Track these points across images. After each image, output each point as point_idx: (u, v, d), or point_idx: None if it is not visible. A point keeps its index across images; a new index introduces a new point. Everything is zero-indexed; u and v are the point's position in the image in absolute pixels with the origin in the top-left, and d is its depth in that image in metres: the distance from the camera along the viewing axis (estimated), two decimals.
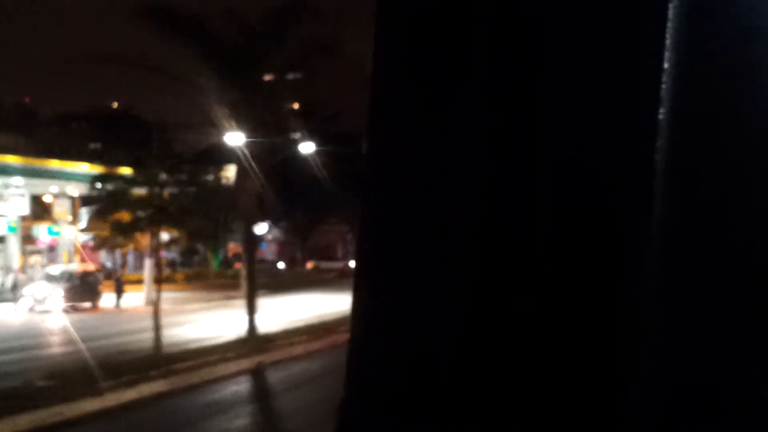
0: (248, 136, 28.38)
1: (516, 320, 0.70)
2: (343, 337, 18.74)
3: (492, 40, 0.72)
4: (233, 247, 53.09)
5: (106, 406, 11.63)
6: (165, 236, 42.97)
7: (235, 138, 29.02)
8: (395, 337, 0.75)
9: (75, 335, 17.88)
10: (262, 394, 13.48)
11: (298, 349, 16.73)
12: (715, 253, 0.67)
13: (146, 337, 17.67)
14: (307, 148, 32.50)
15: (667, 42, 0.67)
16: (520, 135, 0.70)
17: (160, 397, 12.46)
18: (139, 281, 39.38)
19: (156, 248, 32.49)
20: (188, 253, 44.73)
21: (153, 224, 17.40)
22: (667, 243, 0.67)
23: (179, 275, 41.20)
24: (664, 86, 0.66)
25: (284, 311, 25.06)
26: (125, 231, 21.00)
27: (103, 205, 21.57)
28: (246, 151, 18.58)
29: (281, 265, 46.85)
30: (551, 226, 0.69)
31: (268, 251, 50.97)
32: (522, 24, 0.71)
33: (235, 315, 22.49)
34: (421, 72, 0.75)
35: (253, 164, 20.45)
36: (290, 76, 22.10)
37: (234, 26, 17.77)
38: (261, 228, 43.32)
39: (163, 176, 17.01)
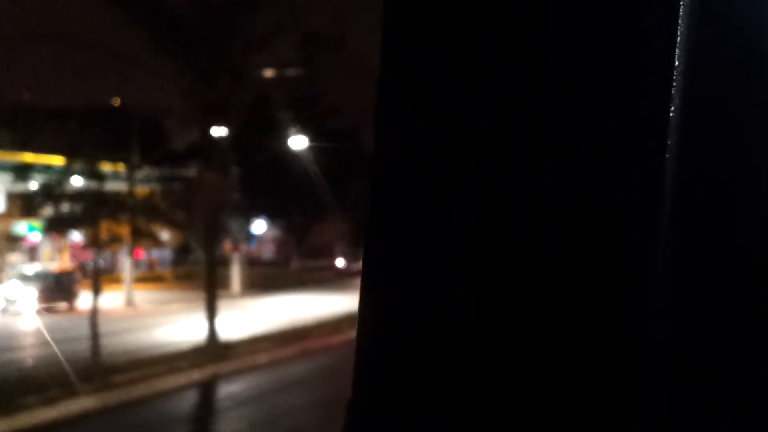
0: (230, 131, 26.64)
1: (520, 321, 0.69)
2: (316, 343, 17.43)
3: (499, 39, 0.71)
4: (230, 245, 51.63)
5: (13, 429, 9.90)
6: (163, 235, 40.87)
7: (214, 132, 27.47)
8: (401, 338, 0.75)
9: (22, 341, 16.21)
10: (202, 412, 11.71)
11: (262, 358, 14.97)
12: (724, 253, 0.67)
13: (105, 343, 16.13)
14: (297, 143, 30.95)
15: (679, 39, 0.66)
16: (527, 135, 0.70)
17: (84, 417, 10.74)
18: (136, 280, 37.93)
19: (133, 247, 30.91)
20: (182, 252, 43.13)
21: (93, 219, 15.58)
22: (674, 243, 0.66)
23: (169, 274, 39.57)
24: (675, 84, 0.66)
25: (265, 313, 23.34)
26: (59, 226, 19.36)
27: (30, 198, 19.87)
28: (207, 143, 16.74)
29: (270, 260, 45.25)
30: (556, 226, 0.68)
31: (266, 250, 49.27)
32: (529, 22, 0.70)
33: (202, 320, 21.21)
34: (428, 73, 0.74)
35: (223, 157, 18.69)
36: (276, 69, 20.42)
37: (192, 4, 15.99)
38: (259, 226, 41.74)
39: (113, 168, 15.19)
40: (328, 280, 36.54)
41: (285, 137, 31.08)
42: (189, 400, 11.95)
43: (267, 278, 37.98)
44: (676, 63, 0.66)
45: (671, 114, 0.66)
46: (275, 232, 47.09)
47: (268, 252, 49.29)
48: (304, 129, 36.33)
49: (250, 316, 22.24)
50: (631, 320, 0.66)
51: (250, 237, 41.06)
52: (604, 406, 0.67)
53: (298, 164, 32.07)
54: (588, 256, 0.67)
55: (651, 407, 0.67)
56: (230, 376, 13.45)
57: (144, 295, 29.47)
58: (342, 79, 50.14)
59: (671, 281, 0.66)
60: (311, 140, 34.14)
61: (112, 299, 28.11)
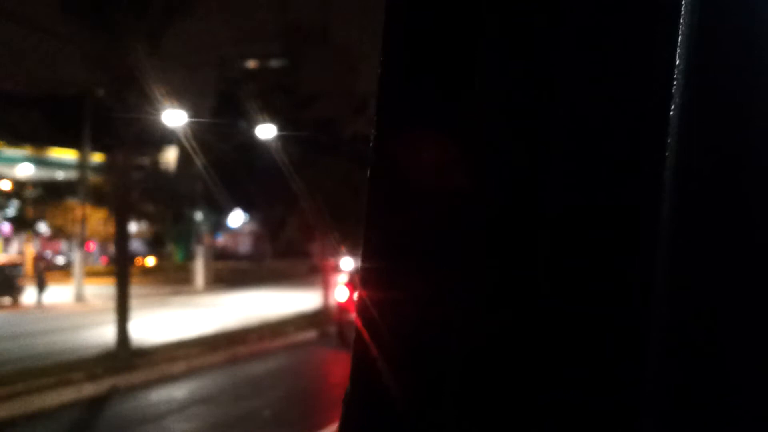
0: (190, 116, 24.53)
1: (522, 320, 0.69)
2: (251, 348, 15.27)
3: (501, 40, 0.71)
4: (208, 238, 49.39)
5: None
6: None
7: (173, 118, 25.32)
8: (399, 335, 0.75)
9: None
10: None
11: (179, 367, 12.75)
12: (725, 252, 0.67)
13: (16, 346, 14.06)
14: (266, 132, 28.79)
15: (680, 39, 0.66)
16: (528, 135, 0.70)
17: None
18: (92, 274, 35.72)
19: (84, 238, 28.64)
20: (155, 245, 40.98)
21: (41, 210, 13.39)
22: (675, 242, 0.66)
23: (136, 267, 37.34)
24: (675, 84, 0.66)
25: (216, 312, 21.17)
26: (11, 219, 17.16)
27: None
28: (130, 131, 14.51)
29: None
30: (558, 226, 0.68)
31: (243, 244, 47.05)
32: (531, 23, 0.70)
33: (157, 316, 19.41)
34: (429, 74, 0.74)
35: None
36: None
37: None
38: (236, 218, 39.55)
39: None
40: (300, 275, 34.41)
41: (253, 125, 28.99)
42: (66, 422, 9.73)
43: (237, 273, 35.95)
44: (677, 62, 0.65)
45: (671, 113, 0.65)
46: (254, 226, 44.85)
47: (245, 246, 47.14)
48: (278, 118, 34.10)
49: (197, 315, 20.13)
50: (638, 319, 0.65)
51: (216, 229, 38.84)
52: (611, 405, 0.66)
53: (267, 155, 30.03)
54: (588, 255, 0.66)
55: (658, 408, 0.66)
56: (129, 390, 11.24)
57: (100, 290, 27.30)
58: (327, 67, 48.07)
59: (672, 279, 0.66)
60: (285, 130, 32.05)
61: (63, 294, 26.04)
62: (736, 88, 0.68)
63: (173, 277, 32.63)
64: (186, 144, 25.90)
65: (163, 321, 18.79)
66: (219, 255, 43.82)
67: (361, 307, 0.76)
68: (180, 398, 10.81)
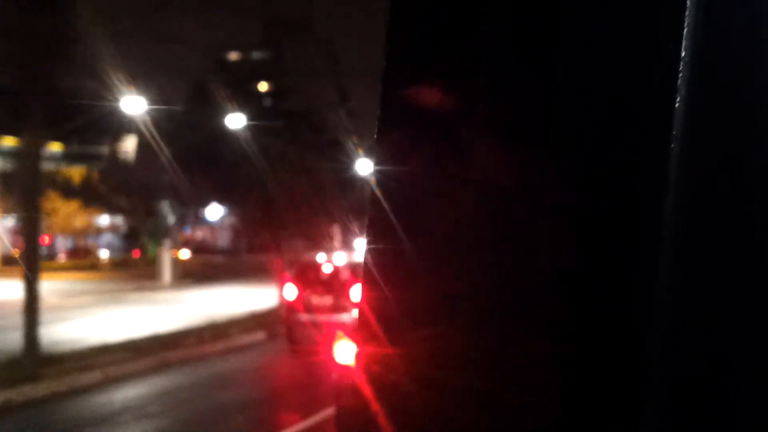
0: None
1: (524, 320, 0.68)
2: (186, 352, 13.37)
3: (504, 35, 0.70)
4: (177, 232, 47.61)
5: None
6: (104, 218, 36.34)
7: (132, 105, 23.59)
8: (401, 335, 0.74)
9: None
10: None
11: (93, 376, 11.01)
12: (729, 249, 0.66)
13: None
14: (234, 122, 27.05)
15: (685, 31, 0.65)
16: (531, 134, 0.69)
17: None
18: (55, 269, 33.97)
19: (24, 230, 26.86)
20: (130, 239, 39.19)
21: None
22: (679, 240, 0.66)
23: (105, 262, 35.61)
24: (680, 75, 0.65)
25: (171, 310, 19.44)
26: None
27: None
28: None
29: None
30: (561, 224, 0.68)
31: (222, 238, 45.25)
32: (533, 19, 0.69)
33: (103, 316, 17.92)
34: (433, 73, 0.73)
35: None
36: None
37: None
38: (215, 212, 37.79)
39: None
40: (274, 271, 32.60)
41: (222, 115, 27.24)
42: None
43: (210, 268, 34.18)
44: (683, 54, 0.64)
45: (676, 105, 0.64)
46: (233, 220, 43.02)
47: (223, 240, 45.36)
48: (251, 108, 32.31)
49: (148, 313, 18.43)
50: (642, 319, 0.65)
51: (184, 222, 37.04)
52: (615, 405, 0.65)
53: (237, 145, 28.30)
54: (598, 254, 0.66)
55: (663, 405, 0.65)
56: (23, 406, 9.51)
57: (60, 286, 25.66)
58: (300, 58, 46.33)
59: (683, 279, 0.65)
60: (259, 120, 30.32)
61: (16, 290, 24.33)
62: (741, 82, 0.66)
63: (143, 272, 30.85)
64: (146, 133, 24.17)
65: (105, 321, 17.06)
66: (197, 249, 42.06)
67: (361, 311, 0.75)
68: (76, 417, 9.08)
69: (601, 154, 0.66)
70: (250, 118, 27.65)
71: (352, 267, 15.19)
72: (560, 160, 0.67)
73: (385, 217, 0.74)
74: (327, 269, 14.60)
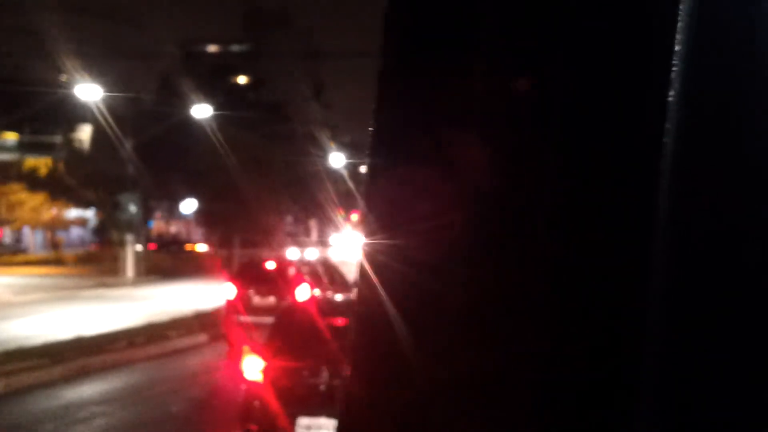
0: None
1: (517, 321, 0.67)
2: (113, 358, 11.58)
3: (499, 35, 0.69)
4: (159, 226, 46.15)
5: None
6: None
7: (87, 92, 22.19)
8: (396, 335, 0.72)
9: None
10: None
11: None
12: (722, 250, 0.66)
13: None
14: (201, 112, 25.70)
15: (679, 24, 0.65)
16: (525, 134, 0.68)
17: None
18: (26, 263, 32.56)
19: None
20: (100, 233, 37.72)
21: None
22: (673, 237, 0.65)
23: (71, 256, 34.17)
24: (674, 69, 0.64)
25: (125, 308, 18.10)
26: None
27: None
28: None
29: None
30: (556, 222, 0.67)
31: (195, 233, 43.77)
32: (529, 22, 0.68)
33: (47, 315, 16.56)
34: (429, 71, 0.72)
35: None
36: None
37: None
38: (189, 206, 36.37)
39: None
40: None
41: (188, 106, 25.89)
42: None
43: (179, 263, 32.77)
44: (677, 48, 0.64)
45: (668, 112, 0.64)
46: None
47: (197, 235, 43.87)
48: (220, 99, 30.92)
49: (96, 312, 17.18)
50: (633, 320, 0.64)
51: (148, 217, 35.60)
52: (606, 406, 0.65)
53: (202, 137, 26.95)
54: (590, 254, 0.65)
55: (653, 407, 0.65)
56: None
57: (18, 281, 24.34)
58: (276, 50, 44.98)
59: (674, 280, 0.65)
60: (225, 110, 28.97)
61: None
62: (735, 76, 0.66)
63: (108, 267, 29.40)
64: (103, 122, 22.78)
65: (48, 321, 15.71)
66: (171, 243, 40.60)
67: (361, 299, 0.73)
68: None
69: (594, 151, 0.65)
70: (216, 109, 26.30)
71: (303, 264, 13.92)
72: (555, 157, 0.66)
73: (380, 214, 0.73)
74: (271, 267, 13.28)
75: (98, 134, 27.01)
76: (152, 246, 36.19)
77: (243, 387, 6.71)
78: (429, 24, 0.71)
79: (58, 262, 32.92)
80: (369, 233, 0.73)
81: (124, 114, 24.98)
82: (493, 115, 0.68)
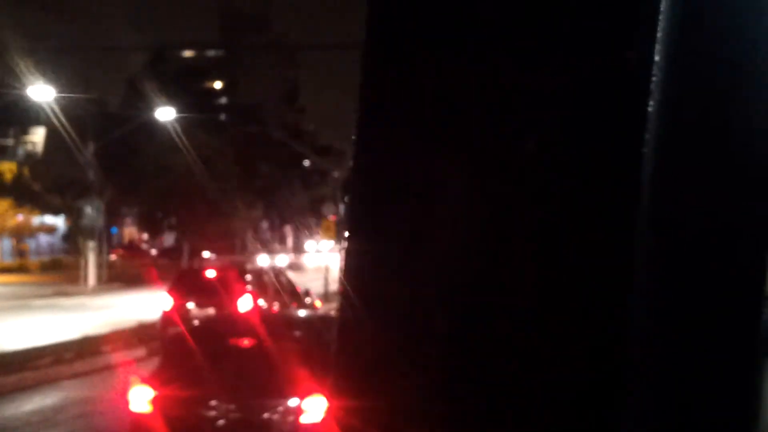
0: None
1: (508, 322, 0.67)
2: (31, 376, 9.83)
3: (484, 40, 0.69)
4: (130, 233, 44.90)
5: None
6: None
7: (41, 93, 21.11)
8: (382, 336, 0.71)
9: None
10: None
11: None
12: (705, 249, 0.66)
13: None
14: (164, 114, 24.62)
15: (659, 35, 0.65)
16: (509, 133, 0.68)
17: None
18: None
19: None
20: (69, 240, 36.50)
21: None
22: (655, 239, 0.66)
23: (35, 264, 32.95)
24: (654, 79, 0.65)
25: (69, 320, 17.01)
26: None
27: None
28: None
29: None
30: (539, 224, 0.67)
31: (168, 239, 42.57)
32: (514, 24, 0.68)
33: None
34: (413, 75, 0.71)
35: None
36: None
37: None
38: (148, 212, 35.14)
39: None
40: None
41: (153, 109, 24.81)
42: None
43: (145, 271, 31.61)
44: (656, 58, 0.64)
45: (649, 112, 0.64)
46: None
47: (169, 241, 42.65)
48: (188, 103, 29.84)
49: (40, 323, 16.11)
50: (621, 319, 0.64)
51: (113, 223, 34.41)
52: (598, 404, 0.65)
53: (171, 143, 25.84)
54: (576, 255, 0.65)
55: (643, 405, 0.65)
56: None
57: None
58: (252, 54, 44.01)
59: (660, 279, 0.65)
60: (194, 113, 27.92)
61: None
62: (714, 83, 0.66)
63: (72, 275, 28.17)
64: (57, 124, 21.67)
65: None
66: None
67: (344, 304, 0.72)
68: None
69: (576, 157, 0.65)
70: (184, 111, 25.22)
71: (250, 272, 12.83)
72: (539, 159, 0.65)
73: (364, 216, 0.72)
74: (211, 275, 12.20)
75: (53, 137, 25.86)
76: (117, 252, 35.01)
77: (128, 420, 5.69)
78: (413, 29, 0.70)
79: (22, 269, 31.68)
80: (351, 237, 0.71)
81: (83, 116, 23.84)
82: (479, 118, 0.67)
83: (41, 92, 20.57)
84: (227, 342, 5.85)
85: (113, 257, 32.01)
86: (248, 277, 12.37)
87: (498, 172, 0.67)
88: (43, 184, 30.04)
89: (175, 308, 11.72)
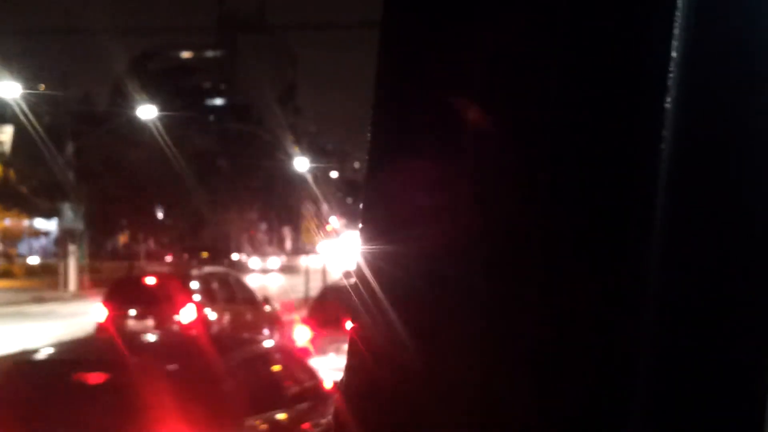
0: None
1: (517, 320, 0.66)
2: None
3: (495, 39, 0.68)
4: (124, 238, 43.70)
5: None
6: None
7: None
8: (392, 340, 0.70)
9: None
10: None
11: None
12: (719, 249, 0.65)
13: None
14: (146, 112, 23.37)
15: (675, 32, 0.64)
16: (523, 135, 0.67)
17: None
18: None
19: None
20: (59, 243, 35.37)
21: None
22: (670, 242, 0.65)
23: (20, 268, 31.82)
24: (671, 76, 0.64)
25: (31, 330, 15.70)
26: None
27: None
28: None
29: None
30: (552, 223, 0.66)
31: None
32: (526, 24, 0.67)
33: None
34: (427, 73, 0.70)
35: None
36: None
37: None
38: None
39: None
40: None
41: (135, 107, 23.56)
42: None
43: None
44: (673, 55, 0.63)
45: (665, 114, 0.63)
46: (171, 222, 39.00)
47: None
48: (185, 102, 28.55)
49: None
50: (630, 318, 0.64)
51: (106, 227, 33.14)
52: (603, 404, 0.64)
53: (156, 144, 24.63)
54: (588, 254, 0.64)
55: (649, 406, 0.64)
56: None
57: None
58: (248, 54, 42.76)
59: (671, 279, 0.64)
60: (186, 113, 26.70)
61: None
62: (732, 81, 0.65)
63: (56, 281, 26.95)
64: (26, 122, 20.42)
65: None
66: (129, 254, 37.89)
67: (359, 306, 0.71)
68: None
69: (592, 155, 0.64)
70: (161, 109, 23.93)
71: (197, 278, 11.49)
72: (554, 160, 0.65)
73: (380, 218, 0.71)
74: (151, 283, 10.87)
75: (22, 136, 24.64)
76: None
77: None
78: (426, 28, 0.69)
79: (7, 274, 30.53)
80: (367, 238, 0.71)
81: (60, 116, 22.58)
82: (497, 116, 0.66)
83: (7, 89, 19.32)
84: (70, 380, 4.49)
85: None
86: (194, 284, 11.02)
87: (512, 173, 0.65)
88: (28, 187, 28.91)
89: (110, 320, 10.41)
